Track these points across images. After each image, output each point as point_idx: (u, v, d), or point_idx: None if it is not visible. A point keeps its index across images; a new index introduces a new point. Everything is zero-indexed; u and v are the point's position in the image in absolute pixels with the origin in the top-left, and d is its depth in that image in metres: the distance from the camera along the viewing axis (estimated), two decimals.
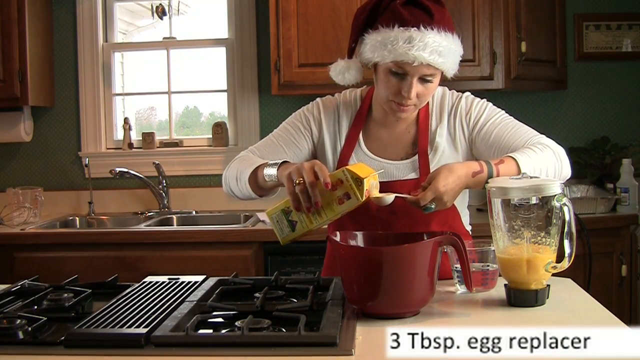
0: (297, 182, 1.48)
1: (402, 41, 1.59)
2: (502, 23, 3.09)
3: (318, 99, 1.88)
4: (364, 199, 1.48)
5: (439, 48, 1.60)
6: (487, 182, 1.54)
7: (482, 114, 1.77)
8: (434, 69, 1.64)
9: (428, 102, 1.80)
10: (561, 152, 1.67)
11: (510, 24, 3.12)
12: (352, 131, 1.82)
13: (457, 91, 1.85)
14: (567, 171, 1.68)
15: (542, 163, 1.61)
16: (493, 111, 1.79)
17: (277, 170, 1.62)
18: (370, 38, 1.66)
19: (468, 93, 1.83)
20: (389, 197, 1.54)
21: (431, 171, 1.73)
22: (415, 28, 1.60)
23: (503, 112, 1.80)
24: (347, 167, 1.50)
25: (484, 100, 1.82)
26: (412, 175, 1.76)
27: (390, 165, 1.78)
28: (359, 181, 1.46)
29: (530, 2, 3.22)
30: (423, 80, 1.65)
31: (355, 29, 1.72)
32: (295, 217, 1.55)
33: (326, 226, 1.73)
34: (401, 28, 1.60)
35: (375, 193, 1.55)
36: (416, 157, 1.77)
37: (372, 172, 1.53)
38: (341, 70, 1.77)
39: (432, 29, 1.60)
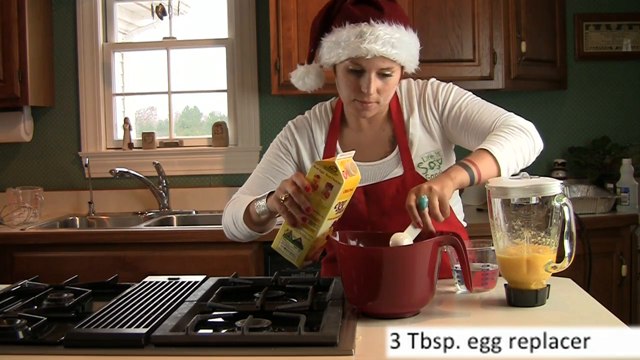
0: (283, 198, 1.51)
1: (353, 37, 1.61)
2: (502, 23, 3.09)
3: (289, 122, 1.90)
4: (345, 180, 1.47)
5: (391, 40, 1.61)
6: (487, 183, 1.55)
7: (449, 97, 1.78)
8: (390, 62, 1.64)
9: (397, 97, 1.81)
10: (530, 127, 1.67)
11: (510, 24, 3.12)
12: (329, 142, 1.83)
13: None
14: (539, 144, 1.68)
15: (516, 146, 1.60)
16: (459, 94, 1.79)
17: (266, 201, 1.64)
18: (326, 41, 1.69)
19: (433, 79, 1.83)
20: (407, 240, 1.47)
21: (414, 162, 1.74)
22: (365, 22, 1.62)
23: (469, 93, 1.80)
24: (317, 160, 1.51)
25: (450, 84, 1.82)
26: (396, 172, 1.77)
27: (371, 167, 1.78)
28: (333, 168, 1.47)
29: (530, 2, 3.22)
30: (382, 75, 1.66)
31: (312, 34, 1.74)
32: (297, 234, 1.56)
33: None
34: (352, 24, 1.63)
35: (356, 173, 1.52)
36: (394, 153, 1.78)
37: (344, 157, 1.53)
38: (300, 76, 1.78)
39: (383, 22, 1.62)
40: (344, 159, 1.50)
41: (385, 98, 1.72)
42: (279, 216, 1.62)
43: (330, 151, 1.82)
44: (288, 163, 1.85)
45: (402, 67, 1.70)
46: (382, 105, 1.73)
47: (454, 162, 1.82)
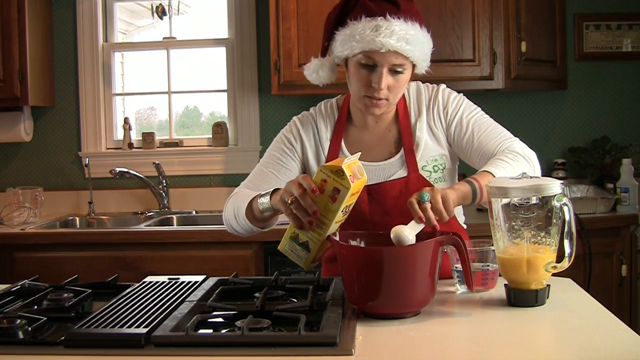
0: (290, 201, 1.49)
1: (369, 30, 1.62)
2: (502, 23, 3.09)
3: (294, 117, 1.90)
4: (352, 185, 1.46)
5: (406, 36, 1.63)
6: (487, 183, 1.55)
7: (458, 110, 1.79)
8: (402, 58, 1.65)
9: (405, 99, 1.81)
10: (532, 156, 1.70)
11: (510, 24, 3.12)
12: (334, 140, 1.83)
13: (454, 90, 1.85)
14: (538, 173, 1.71)
15: (518, 171, 1.61)
16: (468, 108, 1.80)
17: (270, 198, 1.63)
18: (340, 34, 1.69)
19: (444, 86, 1.84)
20: (412, 237, 1.47)
21: (418, 165, 1.74)
22: (381, 17, 1.63)
23: (479, 109, 1.82)
24: (323, 164, 1.50)
25: (461, 95, 1.83)
26: (400, 173, 1.77)
27: (375, 167, 1.78)
28: (340, 172, 1.46)
29: (530, 2, 3.22)
30: (393, 72, 1.67)
31: (327, 28, 1.75)
32: (304, 237, 1.54)
33: None
34: (368, 18, 1.64)
35: (363, 176, 1.51)
36: (399, 155, 1.79)
37: (350, 159, 1.52)
38: (315, 69, 1.79)
39: (399, 18, 1.63)
40: (350, 162, 1.50)
41: (395, 96, 1.72)
42: (282, 214, 1.60)
43: (335, 148, 1.82)
44: (292, 159, 1.84)
45: (414, 66, 1.71)
46: (391, 104, 1.74)
47: (457, 167, 1.86)
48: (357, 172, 1.51)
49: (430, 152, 1.78)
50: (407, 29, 1.63)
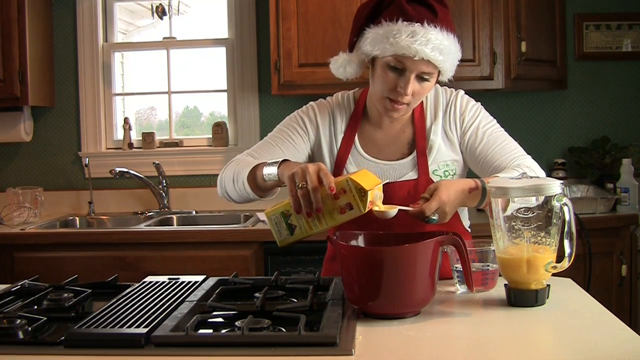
0: (300, 185, 1.46)
1: (405, 35, 1.60)
2: (502, 23, 3.09)
3: (311, 102, 1.87)
4: (366, 210, 1.47)
5: (440, 46, 1.61)
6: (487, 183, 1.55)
7: (475, 120, 1.78)
8: (432, 67, 1.64)
9: (422, 102, 1.81)
10: (542, 175, 1.69)
11: (510, 24, 3.12)
12: (348, 133, 1.82)
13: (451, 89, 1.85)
14: None
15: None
16: (485, 119, 1.80)
17: (278, 169, 1.61)
18: (372, 32, 1.67)
19: (462, 92, 1.83)
20: (392, 211, 1.53)
21: (429, 168, 1.74)
22: (419, 23, 1.61)
23: (495, 121, 1.81)
24: (352, 176, 1.48)
25: (478, 104, 1.83)
26: (410, 175, 1.77)
27: (386, 166, 1.78)
28: (362, 192, 1.45)
29: (530, 2, 3.22)
30: (420, 78, 1.66)
31: (357, 23, 1.72)
32: (294, 221, 1.53)
33: None
34: (405, 22, 1.61)
35: (379, 204, 1.54)
36: (411, 157, 1.78)
37: (376, 183, 1.51)
38: (342, 64, 1.76)
39: (435, 27, 1.61)
40: (375, 188, 1.49)
41: (416, 101, 1.71)
42: (284, 186, 1.58)
43: (348, 143, 1.81)
44: (303, 140, 1.83)
45: (439, 74, 1.69)
46: (410, 108, 1.74)
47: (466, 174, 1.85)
48: (376, 200, 1.51)
49: (443, 156, 1.77)
50: (442, 39, 1.61)
